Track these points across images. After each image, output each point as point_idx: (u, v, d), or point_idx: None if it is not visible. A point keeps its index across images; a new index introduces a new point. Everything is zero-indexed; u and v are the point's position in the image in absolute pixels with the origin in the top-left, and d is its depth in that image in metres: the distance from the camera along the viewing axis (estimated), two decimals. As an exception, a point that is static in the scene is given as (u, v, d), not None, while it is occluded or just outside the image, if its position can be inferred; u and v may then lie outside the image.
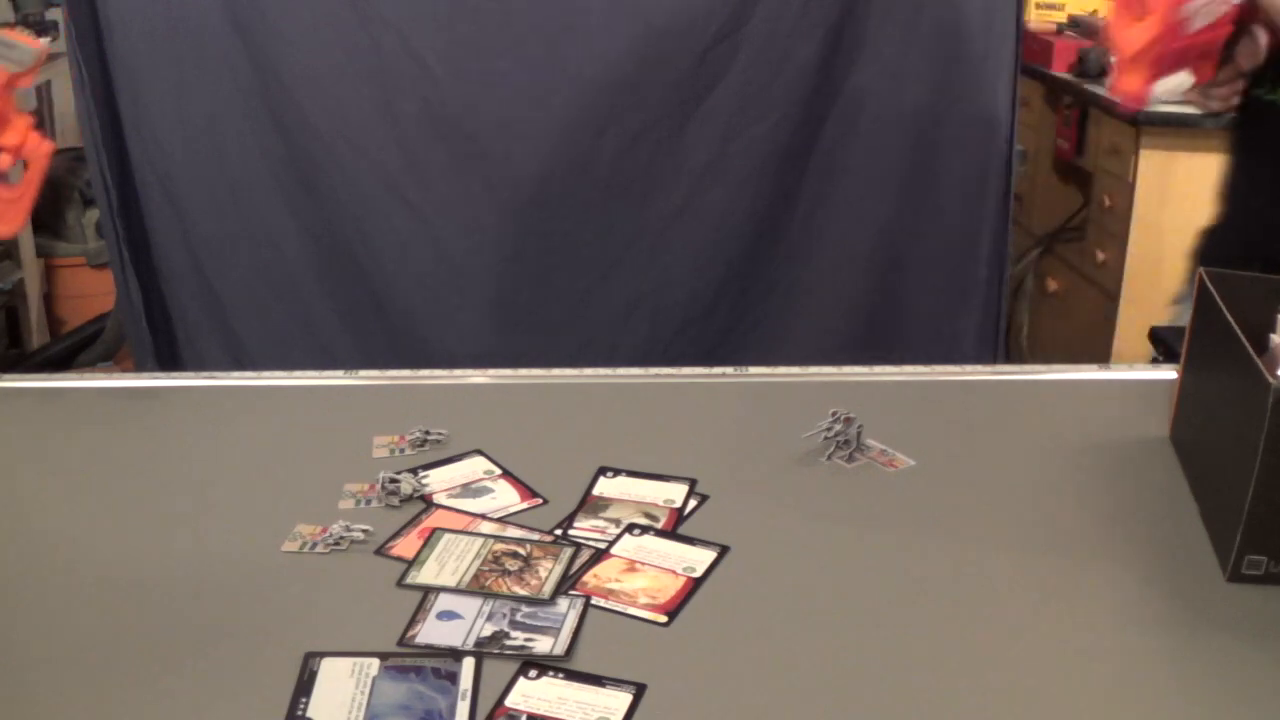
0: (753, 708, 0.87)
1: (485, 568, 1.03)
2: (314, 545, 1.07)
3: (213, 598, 1.00)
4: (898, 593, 1.01)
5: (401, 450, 1.24)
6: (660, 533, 1.09)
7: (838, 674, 0.91)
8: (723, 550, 1.06)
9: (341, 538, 1.07)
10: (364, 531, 1.08)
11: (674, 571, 1.03)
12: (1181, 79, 1.14)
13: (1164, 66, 1.12)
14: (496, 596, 0.99)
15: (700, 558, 1.05)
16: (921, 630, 0.96)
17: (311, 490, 1.16)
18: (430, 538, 1.08)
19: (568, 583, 1.02)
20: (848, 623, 0.97)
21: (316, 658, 0.91)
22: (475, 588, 1.00)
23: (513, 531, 1.09)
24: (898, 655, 0.93)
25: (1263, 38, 1.20)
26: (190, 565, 1.05)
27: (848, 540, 1.09)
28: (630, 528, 1.10)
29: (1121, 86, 1.13)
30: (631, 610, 0.98)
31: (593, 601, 0.99)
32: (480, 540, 1.07)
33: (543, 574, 1.02)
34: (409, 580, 1.02)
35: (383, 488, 1.14)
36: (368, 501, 1.14)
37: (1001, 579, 1.04)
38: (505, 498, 1.16)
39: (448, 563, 1.04)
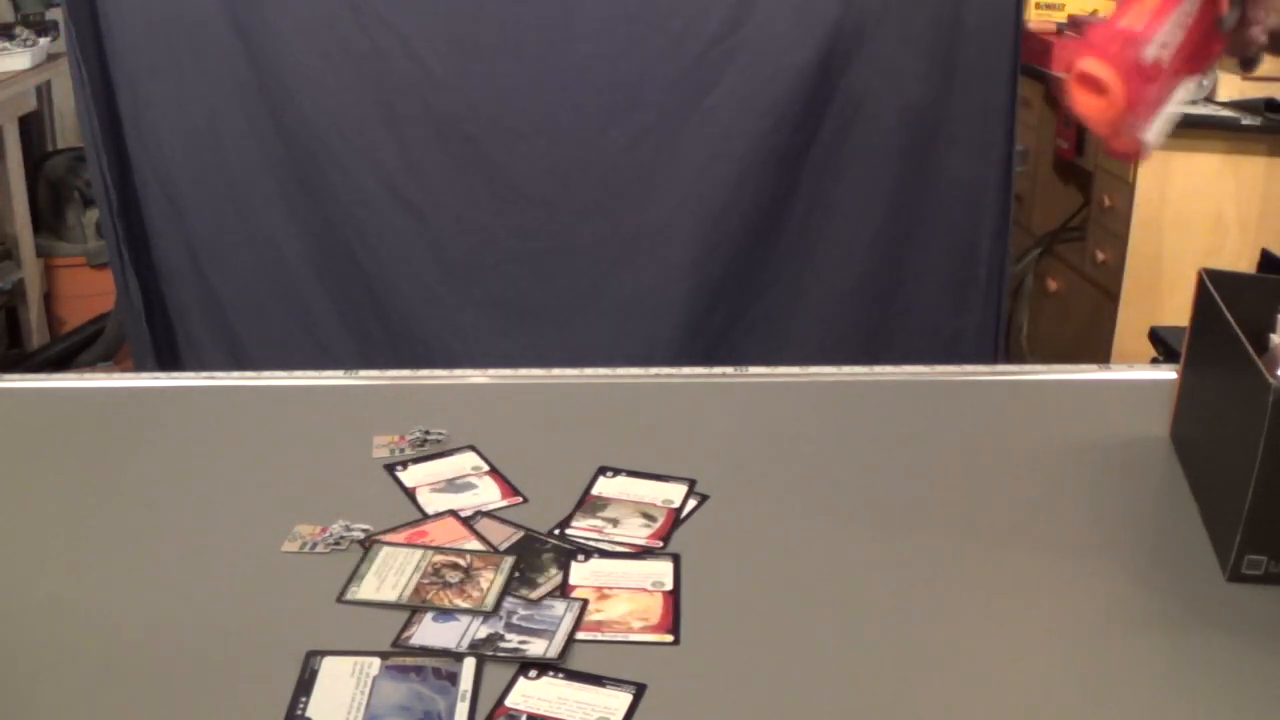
0: (753, 707, 0.87)
1: (425, 580, 1.01)
2: (314, 545, 1.07)
3: (213, 597, 1.00)
4: (897, 592, 1.01)
5: (401, 450, 1.24)
6: (604, 554, 1.06)
7: (838, 673, 0.91)
8: (676, 559, 1.05)
9: (342, 537, 1.07)
10: (364, 531, 1.08)
11: (646, 590, 1.01)
12: (1176, 101, 1.06)
13: (1150, 111, 1.04)
14: (438, 609, 0.98)
15: (661, 570, 1.04)
16: (921, 629, 0.96)
17: (311, 490, 1.17)
18: (369, 551, 1.06)
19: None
20: (848, 623, 0.97)
21: (317, 657, 0.91)
22: (416, 601, 0.99)
23: (494, 534, 1.08)
24: (897, 654, 0.93)
25: None
26: (190, 565, 1.05)
27: (848, 540, 1.09)
28: (574, 554, 1.06)
29: (1119, 149, 1.06)
30: (634, 637, 0.95)
31: (595, 636, 0.95)
32: (420, 552, 1.06)
33: (484, 585, 1.01)
34: (348, 596, 1.00)
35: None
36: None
37: (1001, 578, 1.04)
38: (487, 494, 1.16)
39: (387, 576, 1.02)
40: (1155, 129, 1.02)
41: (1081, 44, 1.02)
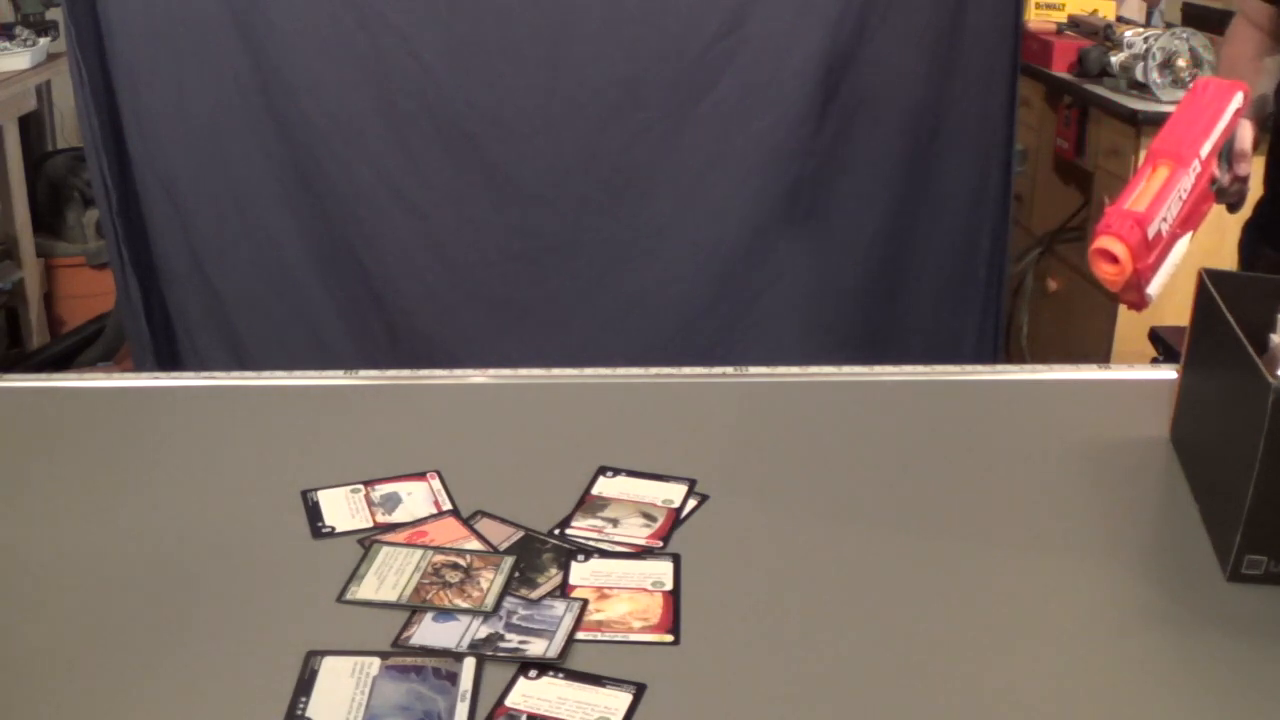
0: (753, 707, 0.87)
1: (425, 580, 1.01)
2: None
3: (212, 597, 1.00)
4: (897, 592, 1.01)
5: None
6: (604, 554, 1.06)
7: (838, 673, 0.91)
8: (676, 559, 1.05)
9: None
10: None
11: (646, 590, 1.01)
12: (1175, 256, 1.26)
13: (1152, 272, 1.24)
14: (438, 609, 0.97)
15: (661, 570, 1.03)
16: (920, 629, 0.96)
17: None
18: (369, 551, 1.06)
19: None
20: (848, 623, 0.97)
21: (317, 657, 0.91)
22: (416, 601, 0.98)
23: (494, 534, 1.08)
24: (897, 654, 0.93)
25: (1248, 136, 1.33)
26: (190, 565, 1.05)
27: (848, 540, 1.09)
28: (574, 554, 1.06)
29: (1127, 301, 1.26)
30: (634, 637, 0.95)
31: (595, 636, 0.95)
32: (420, 552, 1.06)
33: (484, 585, 1.01)
34: (348, 596, 1.00)
35: None
36: None
37: (1001, 579, 1.04)
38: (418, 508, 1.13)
39: (387, 576, 1.02)
40: (1156, 284, 1.23)
41: (1101, 223, 1.22)
